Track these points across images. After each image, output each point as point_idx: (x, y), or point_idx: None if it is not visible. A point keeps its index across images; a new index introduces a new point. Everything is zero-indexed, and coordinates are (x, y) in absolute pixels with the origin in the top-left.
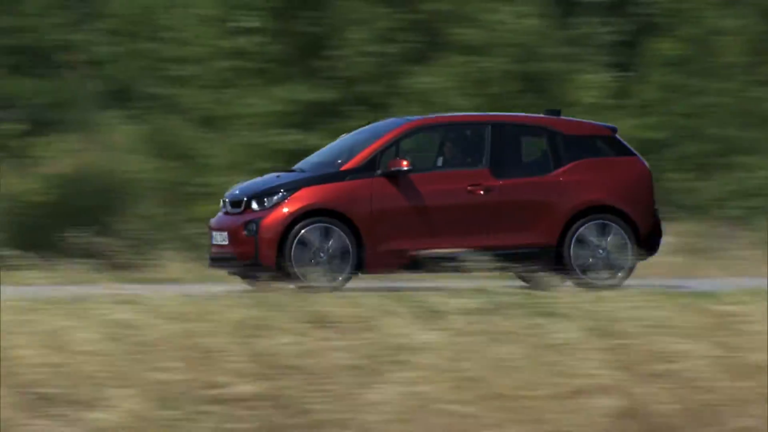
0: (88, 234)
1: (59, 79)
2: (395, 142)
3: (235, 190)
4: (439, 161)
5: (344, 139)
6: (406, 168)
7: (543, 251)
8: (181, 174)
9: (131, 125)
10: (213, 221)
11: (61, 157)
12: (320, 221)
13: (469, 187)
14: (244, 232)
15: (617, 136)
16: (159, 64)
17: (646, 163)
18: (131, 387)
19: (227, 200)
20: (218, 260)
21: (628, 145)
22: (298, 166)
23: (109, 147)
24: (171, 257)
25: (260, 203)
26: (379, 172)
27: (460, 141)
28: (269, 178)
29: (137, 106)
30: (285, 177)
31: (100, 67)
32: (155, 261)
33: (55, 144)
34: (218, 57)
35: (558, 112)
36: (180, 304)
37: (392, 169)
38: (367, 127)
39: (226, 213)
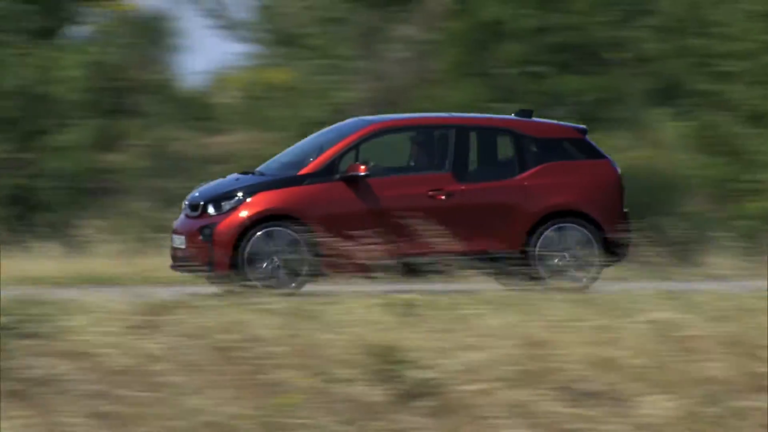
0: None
1: (607, 76)
2: (356, 145)
3: (195, 192)
4: (402, 164)
5: (310, 139)
6: (363, 173)
7: (506, 256)
8: (728, 171)
9: (679, 122)
10: (175, 223)
11: (611, 153)
12: (276, 226)
13: (430, 192)
14: (200, 237)
15: (587, 138)
16: (706, 60)
17: (617, 166)
18: (675, 384)
19: (187, 203)
20: (178, 264)
21: (598, 148)
22: (259, 168)
23: (658, 144)
24: (718, 254)
25: (216, 207)
26: (337, 176)
27: (424, 143)
28: (228, 180)
29: (685, 103)
30: (243, 180)
31: (648, 64)
32: (702, 258)
33: (603, 141)
34: (766, 52)
35: (530, 113)
36: (718, 300)
37: (350, 173)
38: (333, 126)
39: (187, 216)
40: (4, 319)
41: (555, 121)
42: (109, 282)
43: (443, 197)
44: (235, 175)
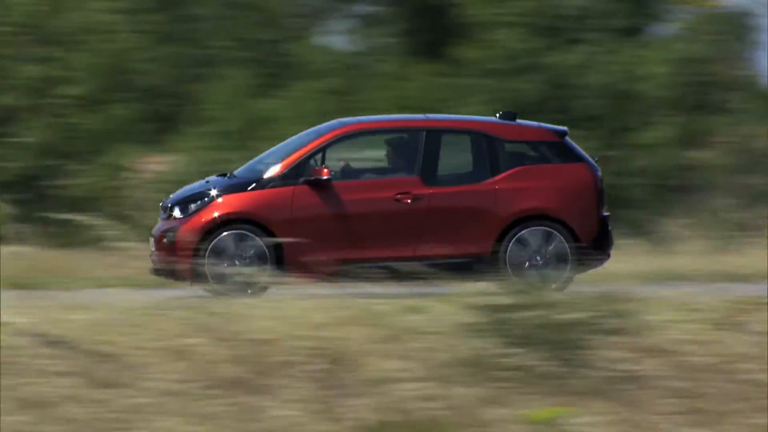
0: None
1: None
2: (323, 148)
3: (170, 195)
4: (373, 167)
5: (294, 139)
6: (325, 177)
7: (475, 261)
8: None
9: None
10: (153, 227)
11: None
12: (238, 229)
13: (397, 196)
14: (164, 240)
15: (566, 140)
16: None
17: (596, 169)
18: None
19: (161, 206)
20: (154, 269)
21: (578, 151)
22: (239, 170)
23: None
24: None
25: (183, 210)
26: (302, 180)
27: (395, 146)
28: (198, 183)
29: None
30: (212, 183)
31: None
32: None
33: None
34: None
35: (514, 116)
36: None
37: (314, 177)
38: (311, 129)
39: (160, 219)
40: (585, 315)
41: (533, 123)
42: (690, 279)
43: (409, 201)
44: (209, 178)
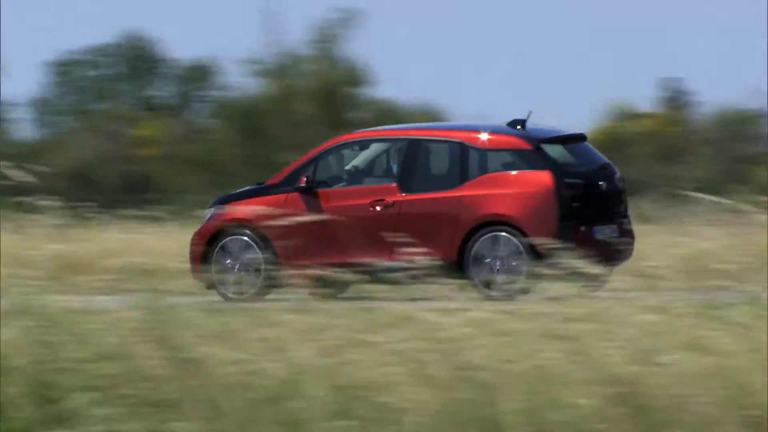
0: None
1: None
2: (316, 159)
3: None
4: (359, 175)
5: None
6: (303, 185)
7: (442, 266)
8: None
9: None
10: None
11: None
12: (240, 235)
13: (373, 202)
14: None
15: (540, 148)
16: None
17: (561, 177)
18: None
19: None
20: None
21: (548, 158)
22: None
23: None
24: None
25: (207, 215)
26: (293, 187)
27: (382, 155)
28: (243, 189)
29: None
30: (241, 190)
31: None
32: None
33: None
34: None
35: (520, 123)
36: None
37: (299, 185)
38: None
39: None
40: None
41: (507, 132)
42: None
43: (383, 208)
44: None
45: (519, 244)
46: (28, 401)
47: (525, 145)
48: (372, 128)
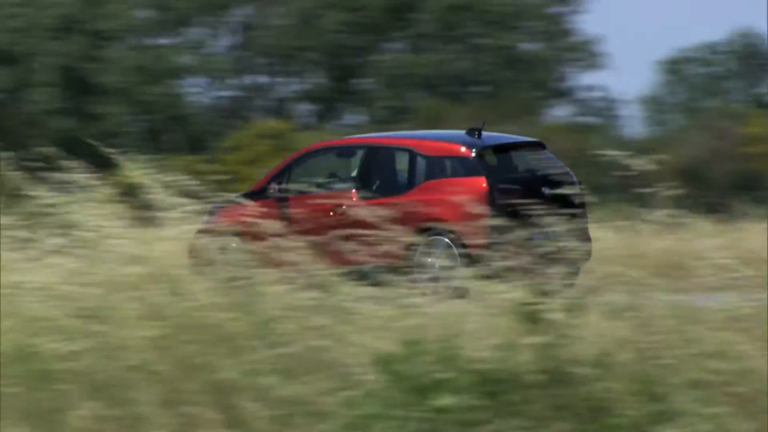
0: None
1: None
2: (288, 167)
3: None
4: (326, 182)
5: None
6: (271, 191)
7: (389, 269)
8: None
9: None
10: None
11: None
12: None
13: (332, 208)
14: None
15: (478, 155)
16: None
17: (495, 183)
18: None
19: None
20: None
21: (483, 164)
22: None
23: None
24: None
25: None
26: (265, 194)
27: (344, 164)
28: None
29: None
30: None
31: None
32: None
33: None
34: None
35: (479, 131)
36: None
37: (269, 192)
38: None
39: None
40: None
41: (453, 140)
42: None
43: (341, 213)
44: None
45: (454, 248)
46: (634, 399)
47: (466, 153)
48: (337, 138)
